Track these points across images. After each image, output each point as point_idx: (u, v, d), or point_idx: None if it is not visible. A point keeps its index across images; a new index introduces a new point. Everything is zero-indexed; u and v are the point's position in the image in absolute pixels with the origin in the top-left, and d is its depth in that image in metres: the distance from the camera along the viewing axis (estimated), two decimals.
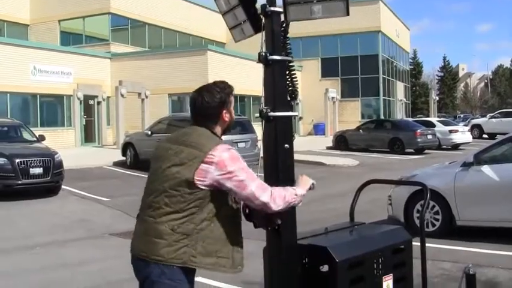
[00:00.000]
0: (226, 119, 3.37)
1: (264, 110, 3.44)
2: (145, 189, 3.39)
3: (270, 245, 3.51)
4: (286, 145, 3.48)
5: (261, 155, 3.54)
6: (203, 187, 3.11)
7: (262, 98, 3.54)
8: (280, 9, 3.61)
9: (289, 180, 3.48)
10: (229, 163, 3.11)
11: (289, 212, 3.41)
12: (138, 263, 3.28)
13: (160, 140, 3.53)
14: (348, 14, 3.67)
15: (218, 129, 3.36)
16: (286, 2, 3.61)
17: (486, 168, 8.65)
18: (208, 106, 3.32)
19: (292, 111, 3.57)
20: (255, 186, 3.12)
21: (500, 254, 8.01)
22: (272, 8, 3.58)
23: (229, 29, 3.90)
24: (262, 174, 3.54)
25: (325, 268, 3.47)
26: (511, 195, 8.32)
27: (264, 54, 3.55)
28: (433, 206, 8.99)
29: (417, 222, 8.99)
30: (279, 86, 3.54)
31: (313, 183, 3.40)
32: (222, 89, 3.39)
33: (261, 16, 3.63)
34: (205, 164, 3.10)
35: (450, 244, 8.47)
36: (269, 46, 3.60)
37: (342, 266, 3.37)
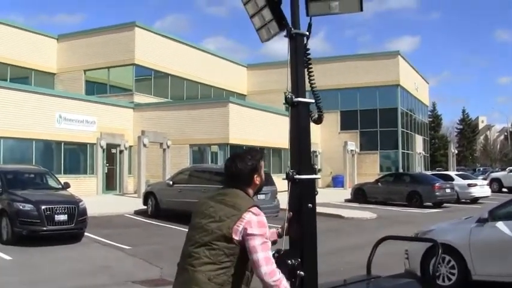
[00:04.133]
0: (257, 182, 3.79)
1: (291, 173, 3.80)
2: (186, 239, 3.73)
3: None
4: (310, 204, 3.83)
5: (287, 212, 3.86)
6: (237, 243, 3.49)
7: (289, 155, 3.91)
8: (305, 32, 4.04)
9: (312, 236, 3.84)
10: (255, 226, 3.48)
11: (311, 264, 3.73)
12: None
13: (201, 197, 3.89)
14: (361, 10, 4.06)
15: (250, 191, 3.77)
16: None
17: (501, 225, 8.82)
18: (241, 173, 3.74)
19: (315, 174, 3.92)
20: (263, 256, 3.45)
21: None
22: (297, 31, 4.01)
23: (257, 31, 4.27)
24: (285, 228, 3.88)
25: None
26: None
27: (290, 96, 3.94)
28: (449, 261, 9.16)
29: None
30: (303, 147, 3.89)
31: None
32: (253, 156, 3.81)
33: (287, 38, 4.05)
34: (239, 222, 3.49)
35: None
36: (294, 88, 4.00)
37: None
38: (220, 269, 3.49)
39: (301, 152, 3.89)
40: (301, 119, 3.95)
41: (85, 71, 38.84)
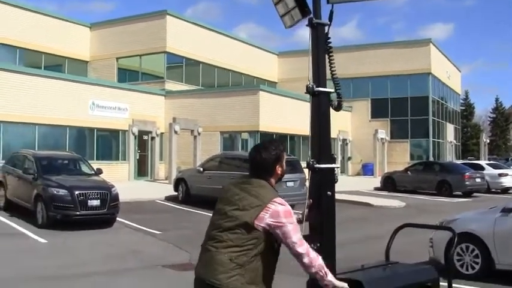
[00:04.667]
0: (279, 172, 4.00)
1: (311, 162, 4.00)
2: (210, 223, 4.00)
3: (312, 279, 4.02)
4: (329, 192, 4.02)
5: (307, 199, 4.06)
6: (259, 229, 3.72)
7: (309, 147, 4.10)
8: (326, 22, 4.21)
9: (331, 223, 4.04)
10: (282, 215, 3.73)
11: (330, 249, 3.94)
12: (199, 284, 3.89)
13: (226, 184, 4.11)
14: None
15: (273, 181, 3.99)
16: None
17: None
18: (265, 162, 3.96)
19: (334, 163, 4.10)
20: (297, 238, 3.73)
21: None
22: (318, 21, 4.18)
23: (281, 17, 4.46)
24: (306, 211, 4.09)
25: None
26: None
27: (311, 85, 4.13)
28: (473, 250, 9.27)
29: (457, 264, 9.32)
30: (323, 139, 4.07)
31: None
32: (276, 147, 4.02)
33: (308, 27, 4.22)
34: (263, 212, 3.72)
35: (488, 287, 8.71)
36: (315, 78, 4.18)
37: None
38: (242, 251, 3.73)
39: (321, 142, 4.08)
40: (321, 109, 4.14)
41: (117, 58, 39.37)
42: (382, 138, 43.32)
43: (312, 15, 4.21)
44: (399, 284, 4.08)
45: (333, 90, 4.25)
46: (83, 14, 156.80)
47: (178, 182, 22.48)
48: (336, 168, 4.13)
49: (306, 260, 3.74)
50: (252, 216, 3.74)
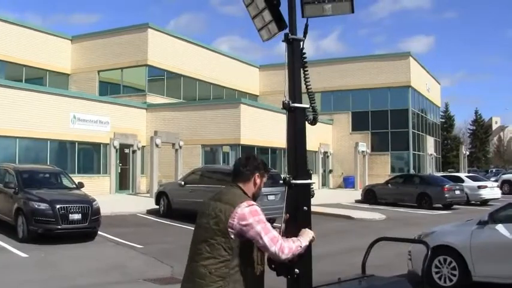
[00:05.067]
0: (257, 182, 4.13)
1: (287, 178, 4.12)
2: (192, 237, 4.08)
3: None
4: (305, 207, 4.15)
5: (283, 213, 4.18)
6: (233, 236, 3.79)
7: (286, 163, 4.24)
8: (301, 37, 4.36)
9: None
10: (249, 216, 3.79)
11: (306, 263, 4.05)
12: None
13: (205, 199, 4.23)
14: (353, 12, 4.38)
15: (248, 188, 4.09)
16: (302, 2, 4.35)
17: (501, 227, 9.07)
18: (242, 167, 4.12)
19: (310, 178, 4.23)
20: (268, 238, 3.78)
21: None
22: (293, 36, 4.32)
23: (258, 31, 4.61)
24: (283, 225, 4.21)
25: None
26: None
27: (287, 101, 4.25)
28: (450, 262, 9.43)
29: (435, 276, 9.48)
30: (299, 155, 4.20)
31: (313, 236, 4.05)
32: (258, 161, 4.21)
33: (284, 43, 4.37)
34: (232, 217, 3.80)
35: None
36: (291, 94, 4.30)
37: None
38: (220, 262, 3.80)
39: (297, 157, 4.21)
40: (297, 124, 4.27)
41: (99, 71, 39.28)
42: (363, 151, 43.61)
43: (287, 31, 4.36)
44: None
45: (308, 105, 4.38)
46: (67, 26, 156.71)
47: (160, 196, 22.46)
48: (312, 183, 4.25)
49: (283, 256, 3.80)
50: (223, 222, 3.81)
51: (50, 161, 27.01)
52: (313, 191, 4.26)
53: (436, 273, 9.54)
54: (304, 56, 4.39)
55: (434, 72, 57.35)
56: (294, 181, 4.12)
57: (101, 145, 31.67)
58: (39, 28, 39.48)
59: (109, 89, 39.11)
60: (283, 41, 4.36)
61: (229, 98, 43.73)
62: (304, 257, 4.01)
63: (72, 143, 30.15)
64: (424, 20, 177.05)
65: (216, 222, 3.85)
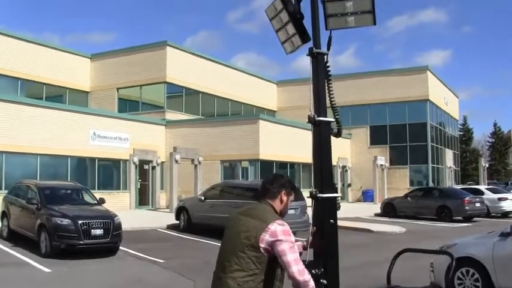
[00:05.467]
0: (284, 199, 4.23)
1: (314, 192, 4.22)
2: (220, 250, 4.20)
3: None
4: (331, 220, 4.24)
5: (311, 226, 4.27)
6: (263, 251, 3.92)
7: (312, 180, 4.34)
8: (325, 51, 4.48)
9: (334, 249, 4.25)
10: (280, 234, 3.92)
11: (333, 274, 4.14)
12: None
13: (233, 212, 4.34)
14: (375, 24, 4.51)
15: (276, 206, 4.21)
16: (326, 15, 4.48)
17: None
18: (271, 185, 4.24)
19: (336, 192, 4.32)
20: (293, 258, 3.90)
21: None
22: (318, 50, 4.45)
23: (282, 44, 4.73)
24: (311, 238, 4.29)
25: None
26: None
27: (312, 115, 4.37)
28: (473, 274, 9.42)
29: None
30: (325, 169, 4.30)
31: None
32: (284, 179, 4.33)
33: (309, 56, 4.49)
34: (264, 233, 3.92)
35: None
36: (316, 108, 4.42)
37: None
38: (249, 275, 3.92)
39: (322, 171, 4.30)
40: (322, 138, 4.37)
41: (118, 89, 39.66)
42: (381, 165, 43.54)
43: (312, 45, 4.46)
44: None
45: (333, 119, 4.47)
46: (85, 45, 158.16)
47: (180, 211, 22.57)
48: (338, 197, 4.34)
49: (300, 278, 3.89)
50: (255, 236, 3.93)
51: (70, 178, 27.26)
52: (339, 204, 4.36)
53: (459, 284, 9.53)
54: (328, 69, 4.48)
55: (451, 85, 57.16)
56: (320, 195, 4.22)
57: (121, 161, 31.94)
58: (58, 47, 40.02)
59: (128, 106, 39.51)
60: (307, 54, 4.47)
61: (247, 113, 43.88)
62: (332, 270, 4.10)
63: (92, 159, 30.43)
64: (440, 34, 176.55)
65: (247, 236, 3.96)
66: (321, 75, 4.45)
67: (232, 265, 3.97)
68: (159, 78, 37.17)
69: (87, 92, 40.93)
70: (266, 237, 3.91)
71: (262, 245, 3.91)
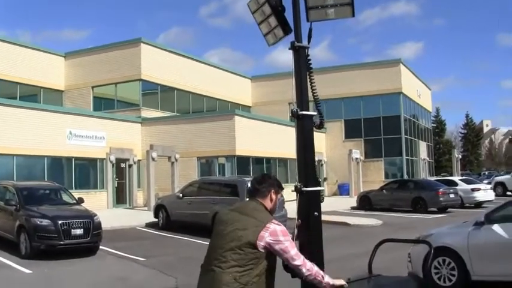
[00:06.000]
0: (273, 197, 4.46)
1: (298, 186, 4.40)
2: (211, 245, 4.38)
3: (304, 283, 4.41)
4: (316, 213, 4.43)
5: (296, 219, 4.45)
6: (260, 249, 4.14)
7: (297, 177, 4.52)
8: (307, 45, 4.67)
9: (319, 240, 4.43)
10: (280, 234, 4.18)
11: (319, 264, 4.32)
12: None
13: (221, 209, 4.52)
14: (353, 15, 4.76)
15: (267, 205, 4.44)
16: (307, 7, 4.69)
17: (496, 227, 9.37)
18: (260, 185, 4.45)
19: (320, 186, 4.51)
20: (294, 252, 4.19)
21: None
22: (299, 44, 4.64)
23: (264, 36, 4.92)
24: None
25: None
26: None
27: (296, 110, 4.55)
28: (449, 263, 9.70)
29: (435, 277, 9.74)
30: (309, 164, 4.47)
31: (342, 286, 4.37)
32: (272, 179, 4.54)
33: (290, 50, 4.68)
34: (263, 231, 4.14)
35: None
36: (299, 102, 4.59)
37: None
38: (245, 271, 4.12)
39: (306, 166, 4.48)
40: (305, 132, 4.54)
41: (93, 87, 39.39)
42: (356, 158, 43.88)
43: (293, 40, 4.64)
44: None
45: (315, 113, 4.65)
46: (58, 42, 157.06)
47: (158, 209, 22.61)
48: (321, 190, 4.54)
49: (304, 270, 4.18)
50: (253, 235, 4.13)
51: (47, 178, 27.08)
52: (322, 196, 4.55)
53: (436, 273, 9.79)
54: (309, 62, 4.66)
55: (424, 77, 57.83)
56: (305, 188, 4.40)
57: (97, 160, 31.82)
58: (32, 46, 39.61)
59: (103, 105, 39.24)
60: (289, 48, 4.64)
61: (222, 109, 43.98)
62: (318, 260, 4.28)
63: (69, 159, 30.24)
64: (412, 26, 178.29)
65: (245, 234, 4.17)
66: (303, 68, 4.63)
67: (228, 261, 4.15)
68: (134, 76, 37.02)
69: (62, 91, 40.57)
70: (266, 236, 4.14)
71: (261, 243, 4.13)
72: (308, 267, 4.21)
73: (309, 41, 4.69)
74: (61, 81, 40.57)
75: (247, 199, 4.53)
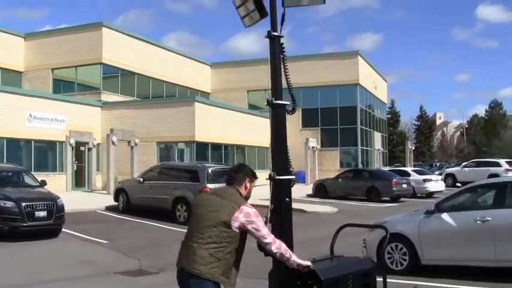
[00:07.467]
0: (248, 186, 5.00)
1: (272, 174, 4.90)
2: (191, 223, 4.91)
3: (274, 270, 4.96)
4: (287, 198, 4.94)
5: (269, 204, 4.96)
6: (234, 229, 4.66)
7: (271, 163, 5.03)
8: (282, 34, 5.09)
9: (289, 223, 4.95)
10: (253, 215, 4.71)
11: (289, 244, 4.84)
12: (182, 274, 4.80)
13: (203, 194, 5.02)
14: (324, 2, 5.20)
15: (242, 191, 4.95)
16: None
17: (445, 216, 10.13)
18: (236, 174, 5.00)
19: (291, 174, 5.02)
20: (265, 231, 4.72)
21: None
22: (275, 33, 5.05)
23: (241, 18, 5.34)
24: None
25: (314, 286, 4.85)
26: (465, 239, 9.80)
27: (271, 99, 5.00)
28: (401, 248, 10.42)
29: (388, 261, 10.41)
30: (282, 150, 4.97)
31: (308, 266, 4.88)
32: (247, 168, 5.10)
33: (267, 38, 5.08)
34: (237, 212, 4.67)
35: (414, 280, 9.74)
36: (274, 91, 5.03)
37: (325, 283, 4.77)
38: (220, 247, 4.65)
39: (280, 155, 4.99)
40: (278, 121, 5.02)
41: (53, 69, 39.17)
42: (313, 147, 44.57)
43: (269, 28, 5.08)
44: (345, 271, 5.05)
45: (288, 102, 5.13)
46: (14, 21, 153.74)
47: (119, 193, 22.80)
48: (292, 178, 5.05)
49: (273, 247, 4.71)
50: (228, 215, 4.65)
51: (6, 160, 26.95)
52: (293, 182, 5.07)
53: (389, 258, 10.49)
54: (283, 51, 5.13)
55: (381, 69, 58.97)
56: (278, 177, 4.91)
57: (57, 143, 31.74)
58: None
59: (63, 87, 39.06)
60: (266, 37, 5.09)
61: (183, 95, 44.15)
62: (288, 241, 4.81)
63: (28, 141, 30.12)
64: (372, 18, 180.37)
65: (220, 214, 4.68)
66: (277, 57, 5.06)
67: (205, 238, 4.66)
68: (95, 59, 36.94)
69: (21, 72, 40.20)
70: (240, 217, 4.65)
71: (235, 223, 4.64)
72: (277, 245, 4.70)
73: (281, 25, 5.09)
74: (20, 63, 40.15)
75: (225, 185, 5.02)
